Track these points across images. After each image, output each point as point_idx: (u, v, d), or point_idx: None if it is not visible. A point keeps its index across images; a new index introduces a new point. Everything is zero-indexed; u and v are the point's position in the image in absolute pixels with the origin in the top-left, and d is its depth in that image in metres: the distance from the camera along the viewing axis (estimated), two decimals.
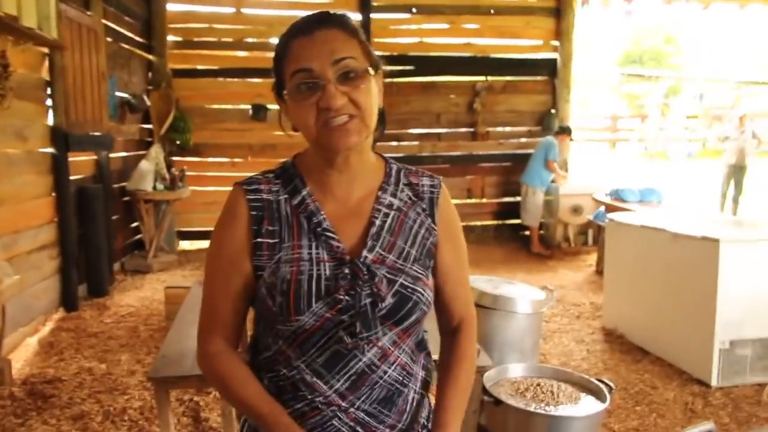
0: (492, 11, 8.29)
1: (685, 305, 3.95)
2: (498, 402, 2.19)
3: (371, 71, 1.19)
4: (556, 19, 8.34)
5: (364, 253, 1.20)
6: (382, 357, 1.20)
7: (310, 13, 1.21)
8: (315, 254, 1.19)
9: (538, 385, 2.32)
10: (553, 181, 7.76)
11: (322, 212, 1.22)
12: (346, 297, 1.15)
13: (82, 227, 5.33)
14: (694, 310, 3.87)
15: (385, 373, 1.20)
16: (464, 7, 8.23)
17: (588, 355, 4.32)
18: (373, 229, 1.23)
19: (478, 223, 8.52)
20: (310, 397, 1.19)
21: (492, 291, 2.95)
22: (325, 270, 1.18)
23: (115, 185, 6.34)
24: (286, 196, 1.24)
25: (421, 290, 1.22)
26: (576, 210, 7.64)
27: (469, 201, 8.53)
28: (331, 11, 1.20)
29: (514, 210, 8.34)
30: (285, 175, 1.27)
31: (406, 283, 1.20)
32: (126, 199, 6.65)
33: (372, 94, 1.19)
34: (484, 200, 8.57)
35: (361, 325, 1.15)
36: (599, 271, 6.31)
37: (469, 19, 8.30)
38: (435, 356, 1.41)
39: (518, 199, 8.17)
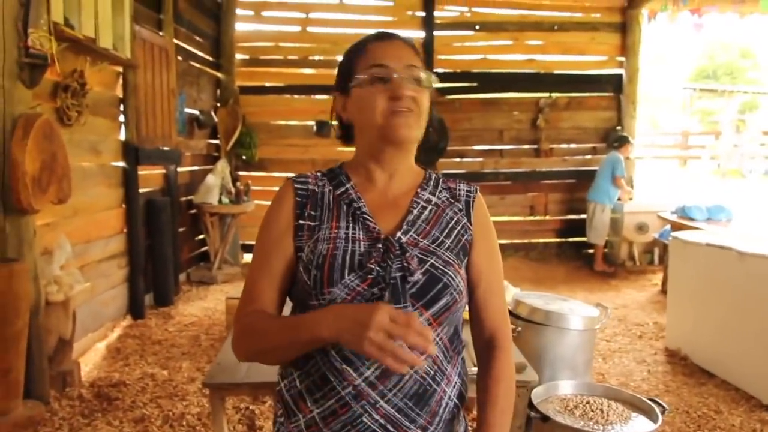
0: (556, 27, 8.22)
1: (754, 326, 3.80)
2: (545, 418, 2.17)
3: (430, 87, 1.32)
4: (621, 35, 8.21)
5: (399, 234, 1.28)
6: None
7: (374, 30, 1.37)
8: (351, 233, 1.27)
9: (588, 402, 2.28)
10: (618, 199, 7.61)
11: (362, 200, 1.32)
12: (378, 267, 1.21)
13: (149, 238, 5.53)
14: (762, 332, 3.73)
15: None
16: (528, 24, 8.20)
17: (649, 375, 4.20)
18: (410, 217, 1.32)
19: (540, 240, 8.41)
20: (339, 389, 1.19)
21: (543, 307, 2.91)
22: (359, 247, 1.25)
23: (183, 198, 6.55)
24: (330, 188, 1.34)
25: (451, 274, 1.26)
26: (641, 228, 7.45)
27: (531, 218, 8.44)
28: None
29: (577, 228, 8.20)
30: (331, 173, 1.38)
31: (437, 264, 1.25)
32: (192, 211, 6.87)
33: (428, 103, 1.32)
34: (547, 217, 8.46)
35: (390, 296, 1.19)
36: (665, 291, 6.12)
37: (533, 35, 8.25)
38: (473, 369, 1.41)
39: (582, 216, 8.03)
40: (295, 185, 1.34)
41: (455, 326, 1.33)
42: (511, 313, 2.98)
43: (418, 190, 1.37)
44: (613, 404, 2.27)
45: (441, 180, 1.42)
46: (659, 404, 2.27)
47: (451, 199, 1.38)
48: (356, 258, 1.22)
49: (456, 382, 1.31)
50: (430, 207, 1.35)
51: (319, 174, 1.38)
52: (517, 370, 2.09)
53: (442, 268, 1.25)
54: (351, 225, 1.28)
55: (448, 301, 1.24)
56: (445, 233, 1.32)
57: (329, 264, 1.21)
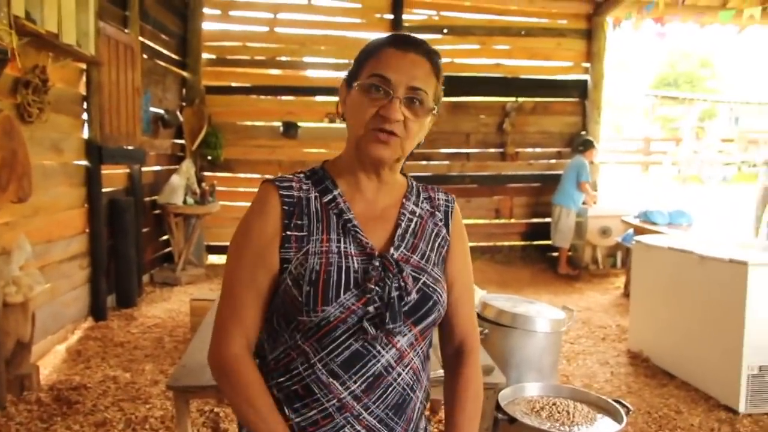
0: (523, 32, 8.32)
1: (713, 329, 3.88)
2: (512, 420, 2.18)
3: (433, 112, 1.27)
4: (587, 41, 8.34)
5: (392, 250, 1.26)
6: (399, 359, 1.23)
7: (380, 34, 1.32)
8: (344, 248, 1.23)
9: (554, 404, 2.30)
10: (584, 203, 7.72)
11: (351, 212, 1.27)
12: (377, 288, 1.19)
13: (112, 239, 5.43)
14: (721, 334, 3.81)
15: (399, 375, 1.23)
16: (495, 29, 8.28)
17: (612, 377, 4.26)
18: (399, 231, 1.29)
19: (506, 243, 8.48)
20: (323, 401, 1.19)
21: (510, 309, 2.94)
22: (353, 263, 1.22)
23: (147, 198, 6.45)
24: (316, 194, 1.29)
25: (440, 291, 1.27)
26: (605, 232, 7.57)
27: (496, 221, 8.50)
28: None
29: (542, 231, 8.30)
30: (315, 176, 1.32)
31: (428, 282, 1.26)
32: (157, 212, 6.77)
33: (422, 129, 1.28)
34: (513, 221, 8.54)
35: (389, 317, 1.18)
36: (627, 294, 6.22)
37: (500, 40, 8.34)
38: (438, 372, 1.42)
39: (547, 220, 8.13)
40: (281, 192, 1.26)
41: (432, 334, 1.35)
42: (478, 315, 2.99)
43: (404, 200, 1.35)
44: (578, 406, 2.30)
45: (421, 188, 1.41)
46: (624, 405, 2.30)
47: (431, 209, 1.37)
48: (351, 275, 1.20)
49: (425, 386, 1.33)
50: (415, 219, 1.33)
51: (301, 176, 1.32)
52: (485, 373, 2.11)
53: (433, 285, 1.26)
54: (342, 238, 1.24)
55: (436, 317, 1.27)
56: (429, 246, 1.32)
57: (324, 281, 1.18)
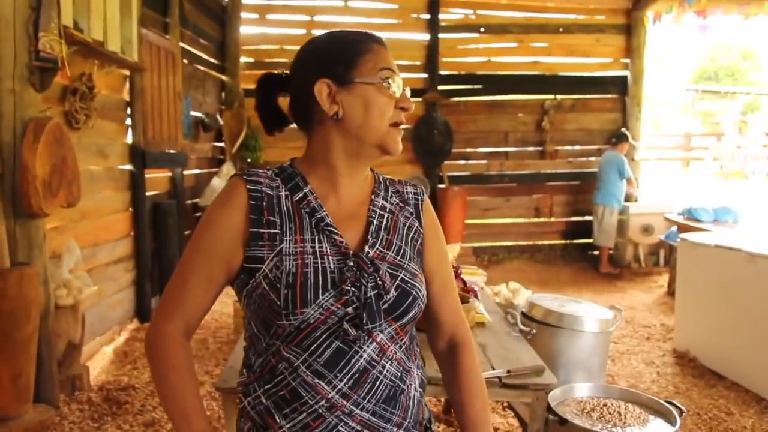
0: (560, 29, 8.24)
1: (764, 327, 3.79)
2: (563, 421, 2.16)
3: None
4: (626, 37, 8.23)
5: (366, 248, 1.24)
6: (380, 352, 1.22)
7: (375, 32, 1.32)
8: (318, 248, 1.21)
9: (605, 405, 2.27)
10: (626, 199, 7.64)
11: (324, 209, 1.25)
12: (353, 288, 1.18)
13: (156, 241, 5.52)
14: None
15: (384, 368, 1.22)
16: (532, 26, 8.22)
17: (658, 377, 4.19)
18: (372, 228, 1.28)
19: (546, 242, 8.41)
20: (312, 402, 1.18)
21: (558, 309, 2.90)
22: (329, 263, 1.20)
23: (189, 201, 6.53)
24: (287, 192, 1.26)
25: (419, 286, 1.27)
26: (647, 230, 7.45)
27: (536, 220, 8.43)
28: None
29: (582, 229, 8.20)
30: (284, 174, 1.29)
31: (406, 278, 1.25)
32: (198, 214, 6.85)
33: None
34: (552, 219, 8.46)
35: (367, 317, 1.17)
36: (671, 293, 6.12)
37: (538, 37, 8.28)
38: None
39: (587, 218, 8.03)
40: (248, 186, 1.24)
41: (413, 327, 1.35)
42: (524, 315, 2.97)
43: (372, 196, 1.33)
44: (630, 407, 2.26)
45: (389, 182, 1.39)
46: (676, 406, 2.26)
47: (401, 204, 1.36)
48: (328, 275, 1.18)
49: (417, 374, 1.32)
50: (386, 214, 1.32)
51: (270, 173, 1.29)
52: (536, 373, 2.09)
53: (411, 281, 1.25)
54: (316, 238, 1.22)
55: (417, 312, 1.26)
56: (404, 241, 1.31)
57: (301, 283, 1.16)
